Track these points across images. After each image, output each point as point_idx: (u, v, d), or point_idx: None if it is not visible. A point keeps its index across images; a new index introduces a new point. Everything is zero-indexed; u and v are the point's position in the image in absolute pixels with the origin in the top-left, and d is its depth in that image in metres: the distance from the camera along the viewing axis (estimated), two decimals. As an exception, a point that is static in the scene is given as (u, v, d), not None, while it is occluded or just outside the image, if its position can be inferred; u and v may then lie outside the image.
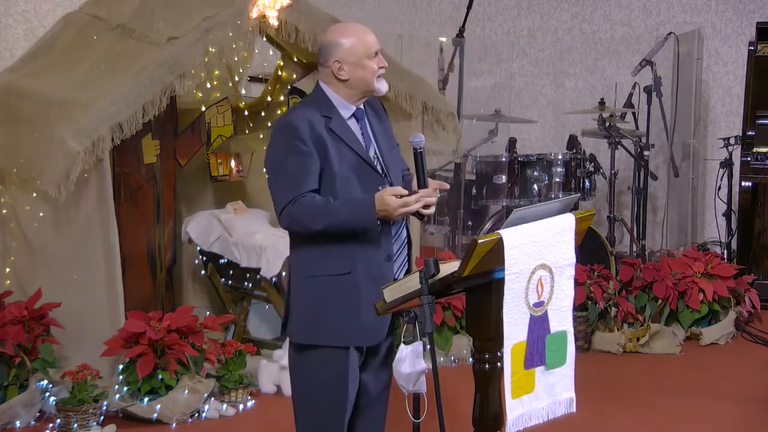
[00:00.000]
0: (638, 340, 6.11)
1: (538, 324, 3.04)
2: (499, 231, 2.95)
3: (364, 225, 3.20)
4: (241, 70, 6.65)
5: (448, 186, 3.44)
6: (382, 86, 3.33)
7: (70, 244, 5.09)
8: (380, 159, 3.34)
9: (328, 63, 3.29)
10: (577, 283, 5.86)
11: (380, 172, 3.31)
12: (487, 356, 3.12)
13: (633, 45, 8.14)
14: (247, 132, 6.57)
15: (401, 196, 3.18)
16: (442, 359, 5.70)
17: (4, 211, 5.28)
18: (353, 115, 3.33)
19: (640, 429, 4.81)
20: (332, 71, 3.28)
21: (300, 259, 3.35)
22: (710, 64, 8.02)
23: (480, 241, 2.91)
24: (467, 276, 2.96)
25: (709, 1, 8.06)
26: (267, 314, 6.07)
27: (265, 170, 3.31)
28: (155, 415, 4.76)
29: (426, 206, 3.26)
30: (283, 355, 5.23)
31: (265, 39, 6.05)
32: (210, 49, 5.29)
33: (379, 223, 3.21)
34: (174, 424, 4.79)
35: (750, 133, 7.21)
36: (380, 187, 3.25)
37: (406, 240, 3.40)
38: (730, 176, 7.35)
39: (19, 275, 5.25)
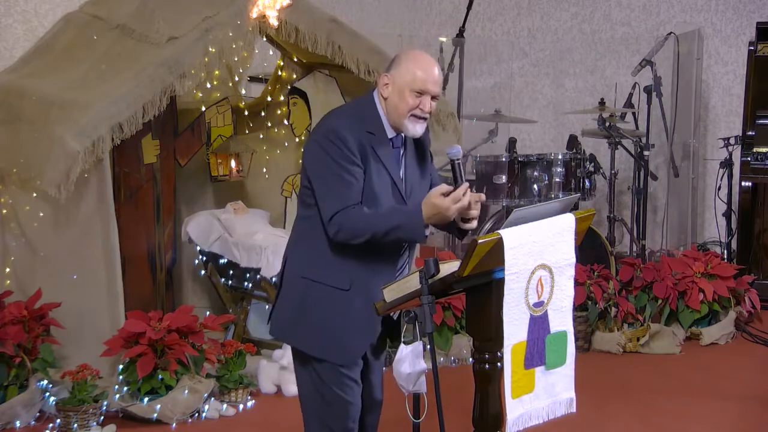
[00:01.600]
0: (638, 340, 6.11)
1: (538, 324, 3.04)
2: (499, 231, 2.95)
3: (413, 235, 3.14)
4: (241, 70, 6.65)
5: (483, 197, 3.39)
6: (413, 129, 3.23)
7: (70, 244, 5.09)
8: (404, 185, 3.29)
9: (384, 74, 3.26)
10: (577, 283, 5.86)
11: (403, 197, 3.26)
12: (487, 356, 3.13)
13: (633, 45, 8.15)
14: (247, 132, 6.57)
15: (448, 194, 3.12)
16: (442, 359, 5.70)
17: (4, 211, 5.28)
18: (391, 139, 3.28)
19: (640, 429, 4.81)
20: (381, 82, 3.25)
21: (299, 257, 3.31)
22: (710, 64, 8.02)
23: (480, 241, 2.91)
24: (467, 276, 2.96)
25: (709, 1, 8.06)
26: (267, 314, 6.06)
27: (306, 171, 3.25)
28: (155, 415, 4.76)
29: (467, 219, 3.21)
30: (283, 355, 5.24)
31: (265, 39, 6.05)
32: (210, 49, 5.29)
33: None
34: (174, 424, 4.79)
35: (750, 133, 7.21)
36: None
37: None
38: (730, 176, 7.35)
39: (19, 275, 5.25)
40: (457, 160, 3.20)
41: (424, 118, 3.24)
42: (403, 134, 3.29)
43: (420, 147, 3.40)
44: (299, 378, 3.38)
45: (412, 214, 3.13)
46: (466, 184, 3.15)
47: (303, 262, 3.29)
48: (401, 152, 3.31)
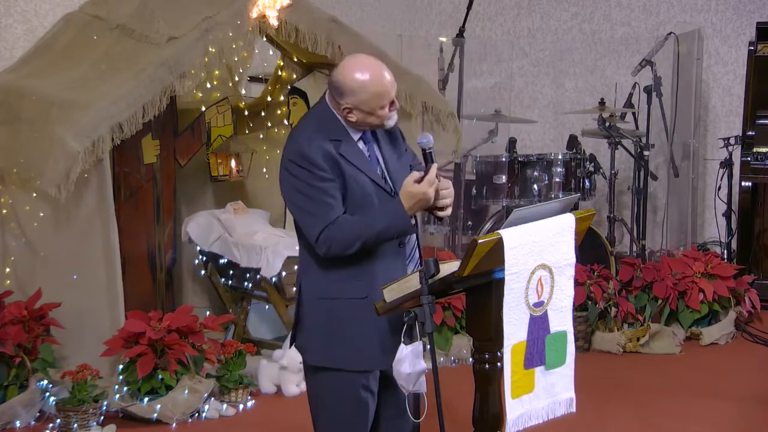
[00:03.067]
0: (638, 340, 6.11)
1: (538, 324, 3.04)
2: (499, 231, 2.95)
3: (402, 228, 3.14)
4: (241, 70, 6.65)
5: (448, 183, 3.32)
6: (392, 121, 3.23)
7: (70, 244, 5.09)
8: (388, 179, 3.26)
9: (337, 100, 3.17)
10: (577, 283, 5.86)
11: (389, 191, 3.23)
12: (487, 356, 3.12)
13: (633, 45, 8.14)
14: (247, 132, 6.57)
15: (420, 180, 3.11)
16: (442, 359, 5.70)
17: (4, 211, 5.28)
18: (361, 138, 3.25)
19: (640, 429, 4.81)
20: (341, 111, 3.18)
21: (314, 280, 3.25)
22: (710, 64, 8.02)
23: (480, 241, 2.90)
24: (467, 276, 2.96)
25: (709, 1, 8.06)
26: (267, 314, 6.07)
27: (282, 197, 3.24)
28: (155, 415, 4.76)
29: (441, 208, 3.19)
30: (283, 355, 5.24)
31: (265, 39, 6.05)
32: (210, 49, 5.29)
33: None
34: (174, 424, 4.79)
35: (750, 133, 7.21)
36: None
37: (418, 262, 3.31)
38: (730, 176, 7.34)
39: (19, 275, 5.25)
40: (429, 149, 3.18)
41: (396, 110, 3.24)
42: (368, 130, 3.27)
43: (392, 134, 3.36)
44: (312, 393, 3.34)
45: (395, 210, 3.12)
46: (435, 165, 3.15)
47: (317, 284, 3.24)
48: (375, 146, 3.29)
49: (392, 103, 3.20)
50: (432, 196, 3.13)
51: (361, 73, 3.14)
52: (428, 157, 3.18)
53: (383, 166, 3.29)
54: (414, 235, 3.31)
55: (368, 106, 3.16)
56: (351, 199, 3.16)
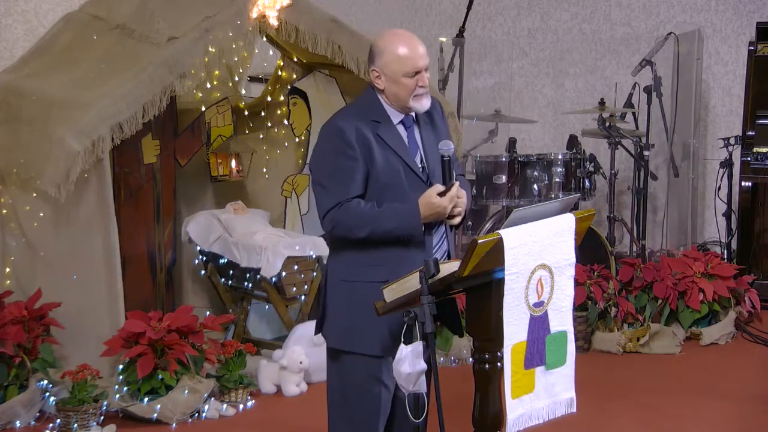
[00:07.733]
0: (638, 340, 6.11)
1: (538, 324, 3.04)
2: (499, 231, 2.95)
3: (410, 232, 3.19)
4: (241, 70, 6.65)
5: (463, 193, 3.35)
6: (419, 105, 3.25)
7: (70, 244, 5.09)
8: (426, 167, 3.29)
9: (370, 68, 3.27)
10: (577, 283, 5.86)
11: (424, 180, 3.27)
12: (487, 356, 3.13)
13: (633, 45, 8.14)
14: (247, 132, 6.57)
15: (443, 193, 3.17)
16: (442, 359, 5.70)
17: (4, 211, 5.28)
18: (401, 121, 3.29)
19: (640, 429, 4.81)
20: (372, 77, 3.26)
21: (339, 263, 3.31)
22: (710, 64, 8.02)
23: (480, 241, 2.91)
24: (467, 276, 2.96)
25: (709, 1, 8.06)
26: (267, 314, 6.07)
27: (309, 172, 3.31)
28: (155, 415, 4.76)
29: (452, 215, 3.23)
30: (283, 355, 5.24)
31: (265, 39, 6.05)
32: (210, 49, 5.29)
33: (423, 229, 3.20)
34: (174, 424, 4.79)
35: (750, 133, 7.21)
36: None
37: (446, 253, 3.35)
38: (730, 176, 7.34)
39: (19, 275, 5.25)
40: (447, 157, 3.24)
41: (426, 92, 3.26)
42: (412, 114, 3.31)
43: (433, 120, 3.39)
44: (330, 379, 3.38)
45: (410, 215, 3.17)
46: (457, 183, 3.21)
47: (341, 267, 3.30)
48: (416, 131, 3.32)
49: (421, 80, 3.21)
50: (449, 210, 3.20)
51: (391, 35, 3.25)
52: (446, 165, 3.23)
53: (423, 153, 3.31)
54: (442, 225, 3.33)
55: (391, 70, 3.20)
56: (376, 181, 3.20)
